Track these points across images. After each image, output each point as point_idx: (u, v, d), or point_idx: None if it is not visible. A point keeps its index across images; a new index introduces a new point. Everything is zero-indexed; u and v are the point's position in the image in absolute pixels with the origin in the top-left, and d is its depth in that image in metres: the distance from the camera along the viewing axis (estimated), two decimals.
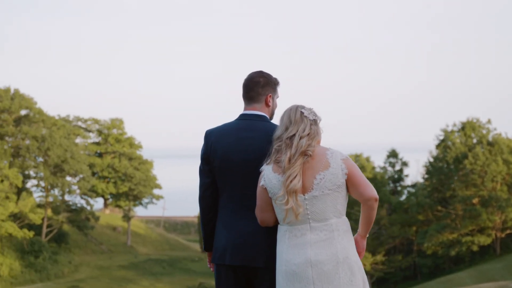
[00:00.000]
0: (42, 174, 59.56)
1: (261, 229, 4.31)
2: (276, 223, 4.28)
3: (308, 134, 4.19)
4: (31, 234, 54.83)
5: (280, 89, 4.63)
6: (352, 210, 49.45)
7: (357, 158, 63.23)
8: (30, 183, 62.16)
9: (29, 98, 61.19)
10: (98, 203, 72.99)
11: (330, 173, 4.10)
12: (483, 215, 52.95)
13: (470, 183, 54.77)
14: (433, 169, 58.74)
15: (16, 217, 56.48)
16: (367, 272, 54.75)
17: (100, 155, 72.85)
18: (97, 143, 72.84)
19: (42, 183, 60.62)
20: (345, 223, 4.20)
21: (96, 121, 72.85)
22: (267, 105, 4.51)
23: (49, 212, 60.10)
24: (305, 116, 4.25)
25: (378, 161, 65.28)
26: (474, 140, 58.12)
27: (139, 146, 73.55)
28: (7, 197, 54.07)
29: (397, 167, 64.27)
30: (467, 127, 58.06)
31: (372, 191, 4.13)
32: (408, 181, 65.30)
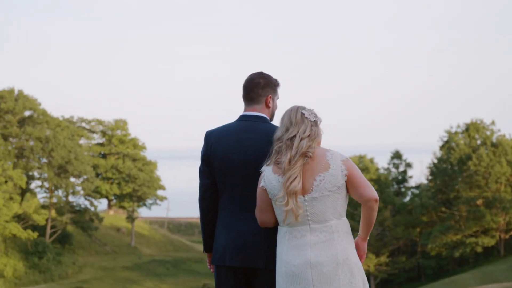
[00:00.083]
0: (46, 175, 59.63)
1: (261, 230, 4.31)
2: (276, 224, 4.27)
3: (308, 136, 4.18)
4: (35, 235, 54.90)
5: (281, 90, 4.62)
6: (356, 211, 49.43)
7: (361, 159, 63.14)
8: (34, 184, 62.27)
9: (33, 99, 61.29)
10: (102, 204, 73.08)
11: (330, 175, 4.10)
12: (487, 216, 52.86)
13: (474, 184, 54.69)
14: (437, 170, 58.65)
15: (20, 218, 56.56)
16: (371, 273, 54.70)
17: (104, 156, 72.91)
18: (101, 144, 72.90)
19: (46, 184, 60.69)
20: (345, 224, 4.19)
21: (100, 122, 72.93)
22: (267, 106, 4.51)
23: (53, 213, 60.18)
24: (306, 117, 4.25)
25: (382, 162, 65.23)
26: (478, 142, 58.02)
27: (143, 147, 73.59)
28: (11, 198, 54.15)
29: (401, 168, 64.17)
30: (471, 129, 57.97)
31: (372, 192, 4.11)
32: (412, 182, 65.22)
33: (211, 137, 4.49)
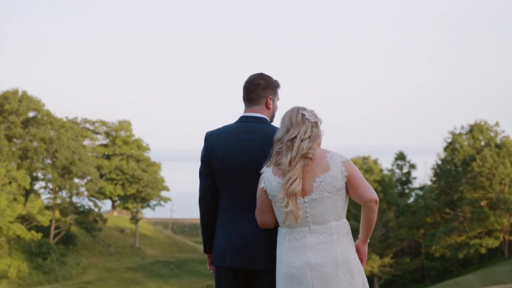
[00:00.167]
0: (50, 176, 59.72)
1: (261, 231, 4.30)
2: (276, 225, 4.27)
3: (309, 137, 4.17)
4: (39, 236, 54.97)
5: (283, 91, 4.62)
6: (360, 213, 49.35)
7: (364, 160, 63.17)
8: (38, 185, 62.36)
9: (37, 100, 61.40)
10: (106, 205, 73.22)
11: (329, 176, 4.08)
12: (491, 217, 52.82)
13: (478, 185, 54.64)
14: (441, 171, 58.61)
15: (24, 219, 56.63)
16: (375, 275, 54.67)
17: (108, 157, 72.98)
18: (105, 145, 72.97)
19: (50, 185, 60.79)
20: (345, 226, 4.17)
21: (103, 123, 73.00)
22: (267, 107, 4.50)
23: (57, 214, 60.25)
24: (306, 118, 4.24)
25: (386, 163, 65.22)
26: (482, 143, 57.99)
27: (147, 148, 73.64)
28: (15, 199, 54.23)
29: (405, 170, 64.16)
30: (475, 130, 57.94)
31: (372, 193, 4.09)
32: (416, 184, 65.22)
33: (211, 138, 4.48)
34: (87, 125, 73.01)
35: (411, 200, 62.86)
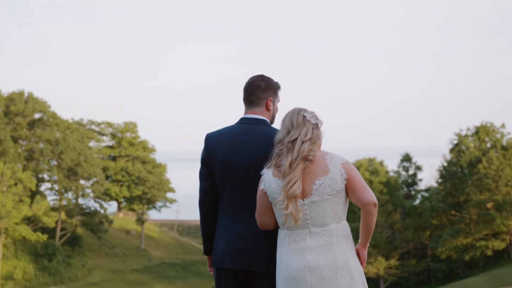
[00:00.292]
0: (56, 177, 59.82)
1: (261, 232, 4.30)
2: (276, 227, 4.26)
3: (310, 139, 4.15)
4: (44, 237, 55.04)
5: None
6: None
7: (370, 162, 63.16)
8: (44, 187, 62.48)
9: (43, 101, 61.51)
10: (111, 207, 73.27)
11: (329, 178, 4.07)
12: (497, 219, 52.74)
13: (484, 187, 54.56)
14: (447, 173, 58.56)
15: (30, 221, 56.72)
16: (380, 276, 54.63)
17: (113, 158, 73.08)
18: (111, 147, 73.07)
19: (56, 187, 60.89)
20: (345, 228, 4.16)
21: (109, 124, 73.10)
22: (267, 109, 4.50)
23: (62, 215, 60.35)
24: (307, 120, 4.22)
25: (392, 165, 65.20)
26: (488, 145, 57.92)
27: (153, 150, 73.71)
28: (21, 201, 54.32)
29: (411, 171, 64.14)
30: (481, 131, 57.86)
31: (371, 196, 4.07)
32: (422, 185, 65.22)
33: (211, 139, 4.48)
34: (93, 127, 73.15)
35: (417, 202, 62.85)
